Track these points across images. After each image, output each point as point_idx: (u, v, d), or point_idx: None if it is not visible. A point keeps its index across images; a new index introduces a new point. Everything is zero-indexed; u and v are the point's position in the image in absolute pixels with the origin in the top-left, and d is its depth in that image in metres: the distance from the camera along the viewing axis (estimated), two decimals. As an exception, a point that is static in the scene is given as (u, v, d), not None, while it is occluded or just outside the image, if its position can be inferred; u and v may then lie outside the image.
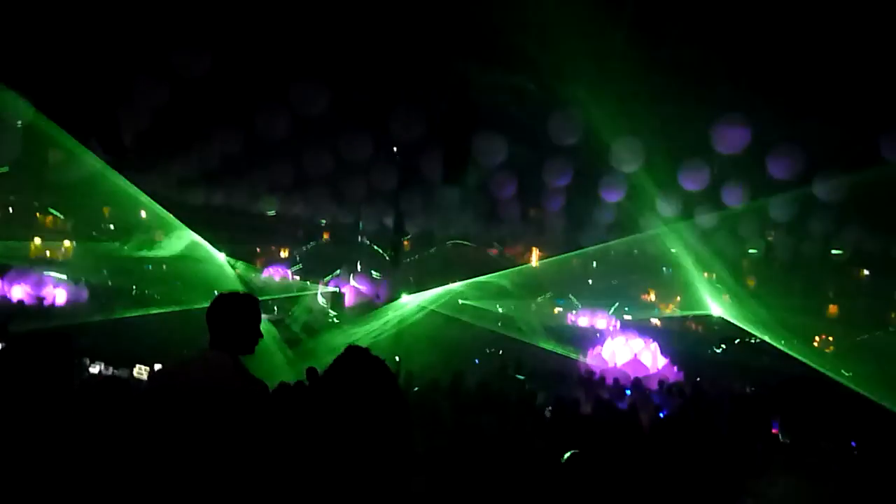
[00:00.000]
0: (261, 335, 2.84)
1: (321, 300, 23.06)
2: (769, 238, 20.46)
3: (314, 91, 13.51)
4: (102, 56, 12.02)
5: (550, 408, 8.44)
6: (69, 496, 2.97)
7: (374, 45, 12.12)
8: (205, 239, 23.69)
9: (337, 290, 23.64)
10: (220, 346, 2.80)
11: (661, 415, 10.81)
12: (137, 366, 10.74)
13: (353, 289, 23.12)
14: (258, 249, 27.14)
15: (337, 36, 12.09)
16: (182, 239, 23.78)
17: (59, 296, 18.71)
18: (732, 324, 21.30)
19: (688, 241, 18.85)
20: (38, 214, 29.10)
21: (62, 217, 27.46)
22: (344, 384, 2.44)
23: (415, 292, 23.24)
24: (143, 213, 26.16)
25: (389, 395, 2.47)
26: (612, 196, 16.42)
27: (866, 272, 25.93)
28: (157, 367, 9.95)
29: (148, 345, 12.49)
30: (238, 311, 2.83)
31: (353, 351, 2.55)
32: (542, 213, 20.36)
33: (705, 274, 23.39)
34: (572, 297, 26.33)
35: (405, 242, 26.72)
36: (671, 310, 26.55)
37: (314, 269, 25.50)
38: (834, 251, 20.20)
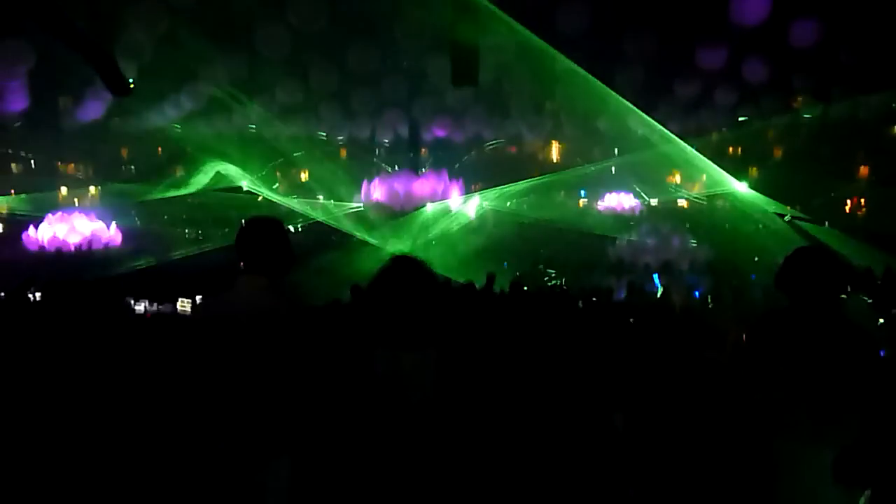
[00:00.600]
0: (293, 258, 2.89)
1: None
2: (795, 104, 19.87)
3: (316, 5, 13.17)
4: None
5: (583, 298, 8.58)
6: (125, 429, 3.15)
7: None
8: (225, 168, 23.79)
9: (360, 206, 23.78)
10: (253, 271, 2.85)
11: (696, 294, 10.94)
12: (180, 300, 11.06)
13: (375, 202, 23.21)
14: (278, 173, 27.17)
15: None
16: (204, 173, 23.92)
17: (94, 241, 19.13)
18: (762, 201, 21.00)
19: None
20: (59, 164, 29.37)
21: (60, 163, 27.76)
22: (396, 293, 2.46)
23: (439, 201, 23.28)
24: (160, 150, 26.34)
25: (439, 301, 2.51)
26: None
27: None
28: (199, 298, 10.25)
29: (187, 278, 12.79)
30: (266, 234, 2.87)
31: (401, 261, 2.55)
32: (557, 105, 19.94)
33: (730, 149, 22.95)
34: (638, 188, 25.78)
35: (422, 150, 26.56)
36: (697, 189, 26.24)
37: (336, 189, 25.58)
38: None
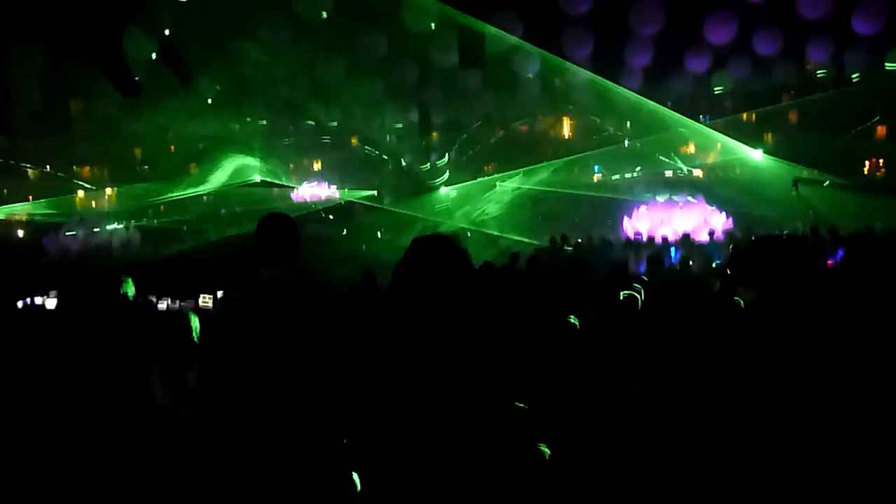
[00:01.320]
0: (300, 251, 3.03)
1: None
2: (807, 66, 19.56)
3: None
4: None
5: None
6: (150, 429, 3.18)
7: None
8: (243, 162, 23.96)
9: (371, 194, 23.87)
10: (271, 264, 2.95)
11: (715, 264, 10.86)
12: (201, 296, 11.16)
13: (390, 187, 23.30)
14: (291, 165, 27.26)
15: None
16: (221, 169, 24.14)
17: (113, 241, 19.37)
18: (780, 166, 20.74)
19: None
20: (74, 168, 29.64)
21: (75, 167, 28.14)
22: (432, 275, 2.42)
23: (454, 183, 23.33)
24: (172, 148, 26.50)
25: (470, 281, 2.49)
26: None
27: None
28: (220, 293, 10.33)
29: (207, 274, 12.89)
30: (282, 229, 3.00)
31: (433, 241, 2.51)
32: (566, 83, 19.78)
33: (743, 116, 22.66)
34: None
35: (433, 134, 26.48)
36: (713, 158, 25.95)
37: (349, 176, 25.71)
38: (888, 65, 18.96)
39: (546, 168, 24.35)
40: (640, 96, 18.00)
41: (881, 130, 24.66)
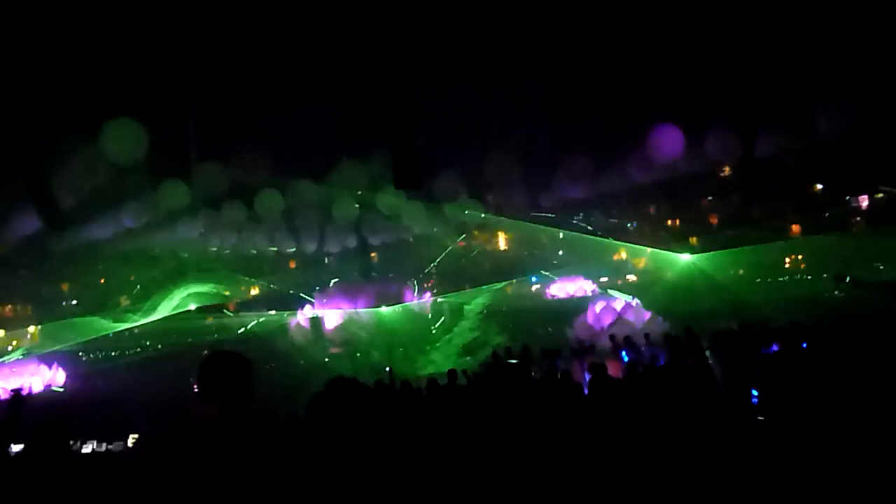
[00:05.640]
0: (252, 395, 2.81)
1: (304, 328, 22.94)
2: (723, 174, 20.77)
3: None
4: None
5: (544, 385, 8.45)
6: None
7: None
8: (173, 294, 23.40)
9: (315, 315, 23.47)
10: (210, 399, 2.76)
11: (659, 364, 10.90)
12: (131, 436, 10.54)
13: (331, 310, 23.01)
14: (227, 293, 26.77)
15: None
16: (154, 302, 23.52)
17: (35, 384, 18.21)
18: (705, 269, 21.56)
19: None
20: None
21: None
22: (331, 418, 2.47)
23: (392, 303, 23.25)
24: (102, 281, 25.79)
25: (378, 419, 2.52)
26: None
27: (819, 186, 26.43)
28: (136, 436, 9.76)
29: (138, 414, 12.25)
30: (229, 370, 2.80)
31: (335, 385, 2.58)
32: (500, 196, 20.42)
33: (668, 222, 23.72)
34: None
35: (373, 255, 26.64)
36: (644, 264, 26.77)
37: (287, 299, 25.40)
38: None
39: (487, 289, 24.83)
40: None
41: (796, 228, 26.06)
